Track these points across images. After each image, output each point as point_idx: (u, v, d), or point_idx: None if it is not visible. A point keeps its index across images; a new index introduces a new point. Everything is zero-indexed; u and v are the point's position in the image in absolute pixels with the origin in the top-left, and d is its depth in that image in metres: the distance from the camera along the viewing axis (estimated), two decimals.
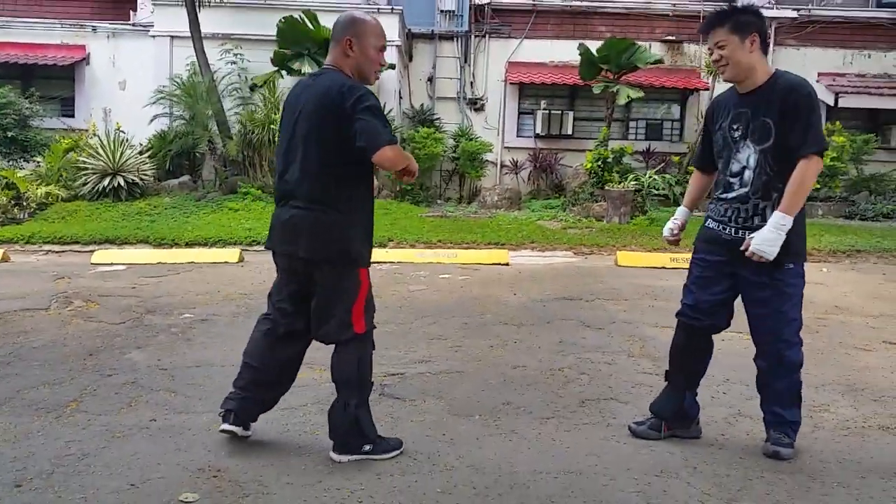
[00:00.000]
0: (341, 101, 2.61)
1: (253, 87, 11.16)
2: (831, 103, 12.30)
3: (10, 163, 10.46)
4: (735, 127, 2.84)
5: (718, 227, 2.91)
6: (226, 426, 2.85)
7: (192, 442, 2.95)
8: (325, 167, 2.67)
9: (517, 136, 13.21)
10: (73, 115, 12.72)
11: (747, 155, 2.81)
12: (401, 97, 12.59)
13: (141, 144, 10.98)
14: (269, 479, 2.64)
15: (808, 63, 12.80)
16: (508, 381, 3.83)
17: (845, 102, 12.19)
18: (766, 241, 2.68)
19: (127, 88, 12.59)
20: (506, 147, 13.10)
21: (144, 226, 8.71)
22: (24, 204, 9.32)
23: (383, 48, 2.85)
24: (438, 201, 11.85)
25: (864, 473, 2.80)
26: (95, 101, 12.71)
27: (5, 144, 10.57)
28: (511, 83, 12.98)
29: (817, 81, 12.71)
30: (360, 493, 2.56)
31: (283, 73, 10.94)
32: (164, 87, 11.16)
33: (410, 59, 13.28)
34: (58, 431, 3.03)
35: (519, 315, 5.24)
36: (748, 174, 2.81)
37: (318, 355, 4.11)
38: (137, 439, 2.89)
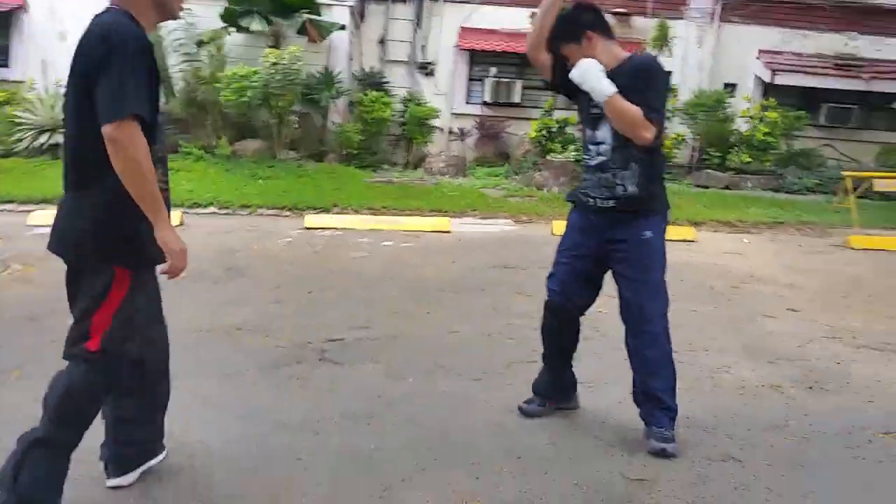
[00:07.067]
0: (95, 50, 2.05)
1: (200, 44, 10.95)
2: (768, 80, 12.79)
3: None
4: (593, 103, 2.87)
5: (586, 199, 3.01)
6: (111, 482, 2.45)
7: None
8: (81, 139, 2.14)
9: (466, 103, 13.31)
10: (7, 66, 12.23)
11: (604, 130, 2.91)
12: (351, 59, 12.51)
13: None
14: (211, 440, 2.83)
15: (749, 40, 13.20)
16: (443, 345, 4.08)
17: (781, 80, 12.68)
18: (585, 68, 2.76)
19: (67, 40, 12.12)
20: (454, 113, 13.19)
21: None
22: None
23: None
24: (385, 166, 11.91)
25: (750, 426, 3.17)
26: (33, 53, 12.18)
27: None
28: (462, 49, 13.02)
29: (757, 58, 13.17)
30: (300, 451, 2.78)
31: (232, 29, 10.77)
32: None
33: (362, 19, 13.17)
34: (4, 398, 3.14)
35: (456, 282, 5.50)
36: (604, 147, 2.92)
37: (258, 320, 4.31)
38: None
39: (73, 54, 2.17)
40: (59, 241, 2.23)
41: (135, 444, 2.47)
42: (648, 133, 2.75)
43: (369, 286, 5.28)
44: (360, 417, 3.11)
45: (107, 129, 2.01)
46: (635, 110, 2.73)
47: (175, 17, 2.35)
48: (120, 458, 2.45)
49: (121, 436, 2.43)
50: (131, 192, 2.07)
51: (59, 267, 2.30)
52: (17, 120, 9.87)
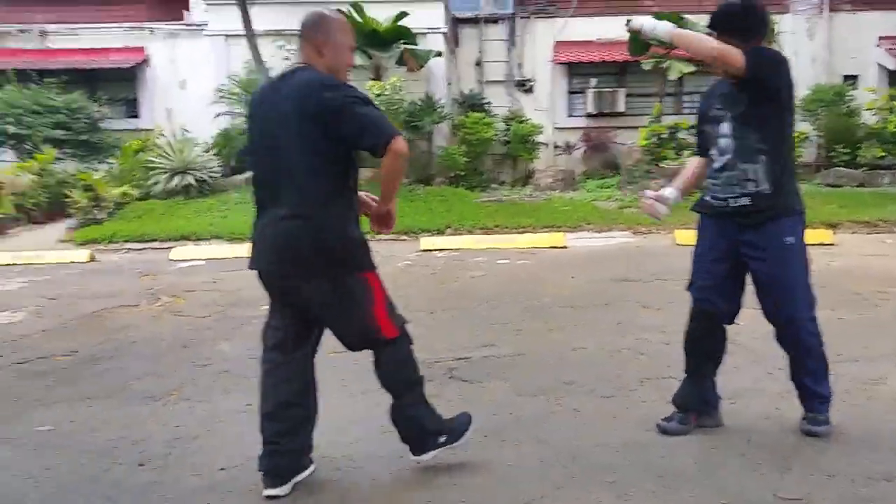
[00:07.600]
0: (326, 95, 2.45)
1: None
2: (893, 67, 11.93)
3: (85, 165, 11.12)
4: (717, 105, 2.95)
5: (715, 202, 2.95)
6: (268, 491, 2.62)
7: None
8: (311, 168, 2.50)
9: (568, 117, 13.26)
10: (137, 116, 13.36)
11: (725, 126, 2.89)
12: (449, 83, 12.75)
13: (205, 142, 11.50)
14: (357, 455, 2.95)
15: (865, 27, 12.41)
16: (568, 361, 4.05)
17: None
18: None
19: (187, 88, 13.10)
20: (557, 128, 13.16)
21: (217, 221, 9.16)
22: (103, 205, 9.91)
23: (353, 47, 2.70)
24: (493, 186, 12.01)
25: None
26: (158, 102, 13.27)
27: (80, 147, 11.28)
28: (559, 63, 13.00)
29: (878, 46, 12.32)
30: (438, 466, 2.84)
31: None
32: (223, 85, 11.58)
33: (457, 44, 13.43)
34: (167, 417, 3.42)
35: (577, 297, 5.44)
36: (725, 141, 2.89)
37: None
38: (238, 422, 3.23)
39: (275, 102, 2.54)
40: (297, 258, 2.53)
41: (291, 454, 2.66)
42: (727, 50, 2.70)
43: (490, 305, 5.32)
44: (493, 434, 3.12)
45: (392, 145, 2.44)
46: (705, 36, 2.76)
47: (343, 82, 2.61)
48: (277, 468, 2.64)
49: (278, 447, 2.62)
50: (394, 185, 2.67)
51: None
52: (151, 165, 10.74)
